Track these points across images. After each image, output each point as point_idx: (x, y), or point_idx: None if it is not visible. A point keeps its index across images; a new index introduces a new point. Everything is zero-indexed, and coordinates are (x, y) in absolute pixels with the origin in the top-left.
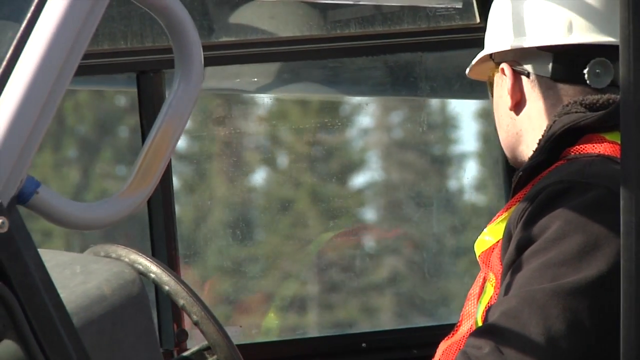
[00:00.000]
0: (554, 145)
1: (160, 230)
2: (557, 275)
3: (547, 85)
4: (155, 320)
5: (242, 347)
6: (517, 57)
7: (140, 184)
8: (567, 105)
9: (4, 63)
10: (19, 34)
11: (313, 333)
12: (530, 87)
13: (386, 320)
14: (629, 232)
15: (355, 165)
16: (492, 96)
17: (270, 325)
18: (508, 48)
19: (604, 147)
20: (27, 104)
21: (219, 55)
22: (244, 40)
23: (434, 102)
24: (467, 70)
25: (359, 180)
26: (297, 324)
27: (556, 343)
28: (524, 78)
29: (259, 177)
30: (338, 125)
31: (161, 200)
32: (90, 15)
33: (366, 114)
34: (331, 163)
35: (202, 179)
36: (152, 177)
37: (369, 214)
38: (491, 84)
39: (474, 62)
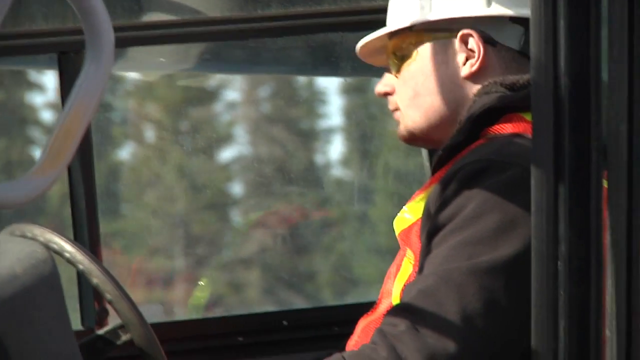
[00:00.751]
0: (474, 125)
1: (81, 210)
2: (473, 253)
3: (511, 57)
4: (77, 299)
5: (158, 326)
6: (474, 27)
7: (51, 164)
8: (487, 85)
9: None
10: None
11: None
12: (493, 56)
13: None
14: (539, 210)
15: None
16: (402, 66)
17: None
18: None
19: (523, 126)
20: None
21: (140, 36)
22: (166, 21)
23: (301, 78)
24: (360, 45)
25: (227, 154)
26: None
27: (472, 321)
28: (489, 47)
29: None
30: (206, 100)
31: (82, 180)
32: None
33: (234, 88)
34: (198, 138)
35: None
36: (63, 158)
37: (237, 189)
38: (406, 56)
39: (383, 32)
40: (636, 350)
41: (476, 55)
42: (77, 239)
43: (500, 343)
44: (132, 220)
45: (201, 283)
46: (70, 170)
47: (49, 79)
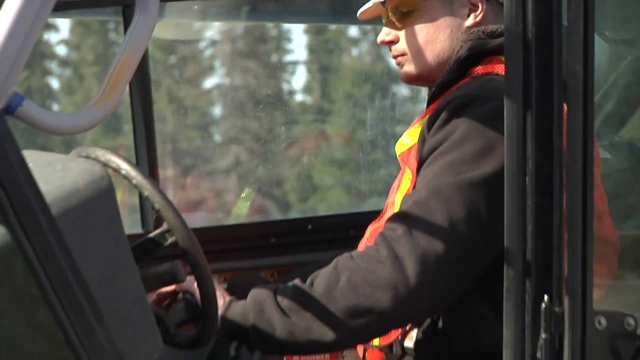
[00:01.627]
0: (461, 66)
1: (141, 134)
2: (459, 171)
3: (499, 9)
4: (139, 208)
5: (198, 230)
6: None
7: (107, 97)
8: (472, 33)
9: None
10: None
11: None
12: (489, 9)
13: None
14: (511, 135)
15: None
16: (403, 20)
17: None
18: None
19: (501, 67)
20: (12, 34)
21: None
22: None
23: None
24: (363, 9)
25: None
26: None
27: (457, 227)
28: (485, 1)
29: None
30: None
31: (141, 110)
32: None
33: (214, 30)
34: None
35: None
36: (117, 92)
37: (217, 111)
38: (412, 11)
39: None
40: (590, 248)
41: (479, 8)
42: (138, 159)
43: (480, 245)
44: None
45: (243, 195)
46: (132, 102)
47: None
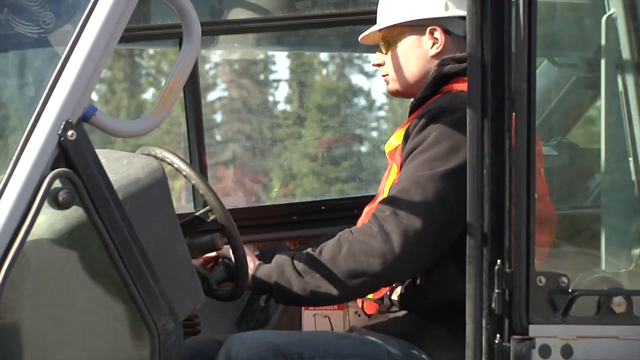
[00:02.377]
0: (435, 84)
1: (193, 137)
2: (433, 166)
3: (460, 41)
4: (191, 192)
5: (236, 210)
6: (438, 24)
7: (161, 108)
8: (443, 60)
9: (74, 33)
10: (82, 17)
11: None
12: (450, 41)
13: None
14: (472, 138)
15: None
16: (389, 48)
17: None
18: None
19: (465, 85)
20: (88, 59)
21: (216, 29)
22: (235, 19)
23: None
24: (362, 36)
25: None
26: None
27: (431, 209)
28: (446, 36)
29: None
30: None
31: (193, 117)
32: (127, 8)
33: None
34: None
35: None
36: (168, 104)
37: (218, 117)
38: (393, 42)
39: (384, 26)
40: (532, 223)
41: (440, 42)
42: (191, 156)
43: (449, 222)
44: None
45: (273, 183)
46: (186, 110)
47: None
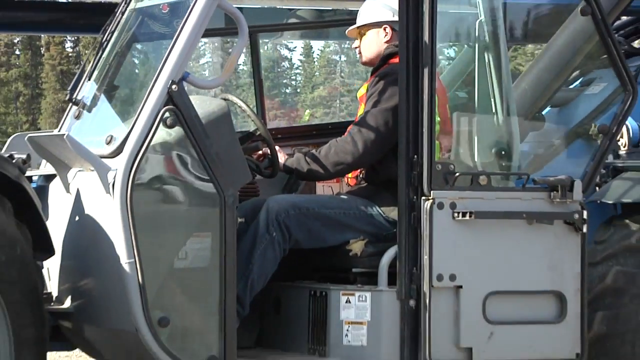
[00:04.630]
0: (384, 59)
1: (257, 89)
2: (381, 104)
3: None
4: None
5: (277, 129)
6: (390, 24)
7: (225, 73)
8: (390, 45)
9: (177, 32)
10: (180, 28)
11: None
12: (394, 34)
13: None
14: (402, 89)
15: None
16: (362, 38)
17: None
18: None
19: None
20: (185, 45)
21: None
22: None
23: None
24: (350, 29)
25: None
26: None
27: (379, 128)
28: (393, 32)
29: None
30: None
31: (257, 81)
32: (206, 18)
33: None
34: None
35: None
36: (229, 71)
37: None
38: (364, 34)
39: (359, 25)
40: (433, 130)
41: (389, 35)
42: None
43: (390, 135)
44: None
45: (305, 113)
46: (253, 76)
47: None
